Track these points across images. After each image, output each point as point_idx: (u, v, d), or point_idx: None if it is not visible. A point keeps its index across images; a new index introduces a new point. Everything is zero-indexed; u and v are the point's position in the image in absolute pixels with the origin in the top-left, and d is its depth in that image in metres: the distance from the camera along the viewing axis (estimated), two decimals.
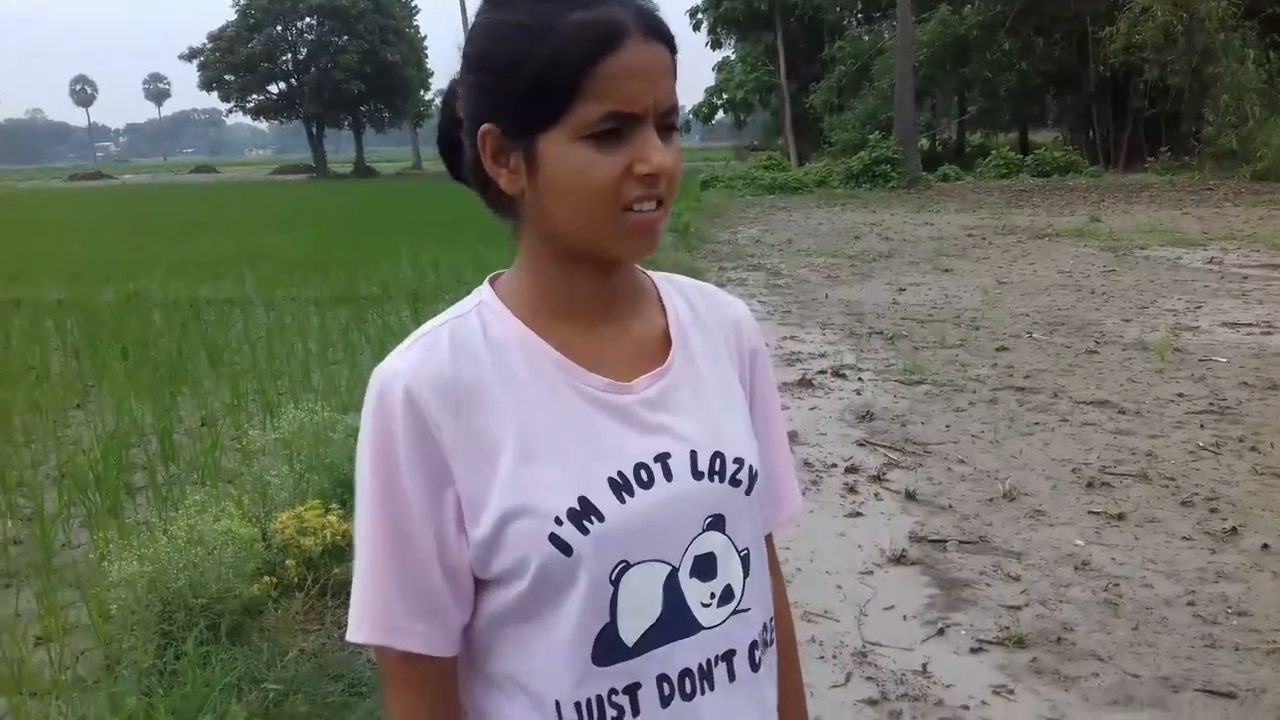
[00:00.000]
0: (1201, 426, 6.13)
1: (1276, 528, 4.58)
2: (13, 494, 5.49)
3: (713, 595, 1.10)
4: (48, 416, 7.09)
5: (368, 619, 1.06)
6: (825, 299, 11.62)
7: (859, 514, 4.98)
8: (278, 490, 4.71)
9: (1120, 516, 4.79)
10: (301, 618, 3.83)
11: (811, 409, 6.93)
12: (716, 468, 1.10)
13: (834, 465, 5.70)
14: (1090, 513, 4.86)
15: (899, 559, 4.42)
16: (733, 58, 52.15)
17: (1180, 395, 6.84)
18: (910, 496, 5.15)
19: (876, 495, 5.22)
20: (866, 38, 42.42)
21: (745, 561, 1.13)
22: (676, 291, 1.21)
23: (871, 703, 3.33)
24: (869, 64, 38.41)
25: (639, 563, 1.05)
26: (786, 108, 43.29)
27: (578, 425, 1.06)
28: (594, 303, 1.11)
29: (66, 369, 8.75)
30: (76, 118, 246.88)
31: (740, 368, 1.21)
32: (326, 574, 3.96)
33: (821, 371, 7.96)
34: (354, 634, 1.07)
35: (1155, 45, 27.91)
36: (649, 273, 1.21)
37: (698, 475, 1.09)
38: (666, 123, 1.03)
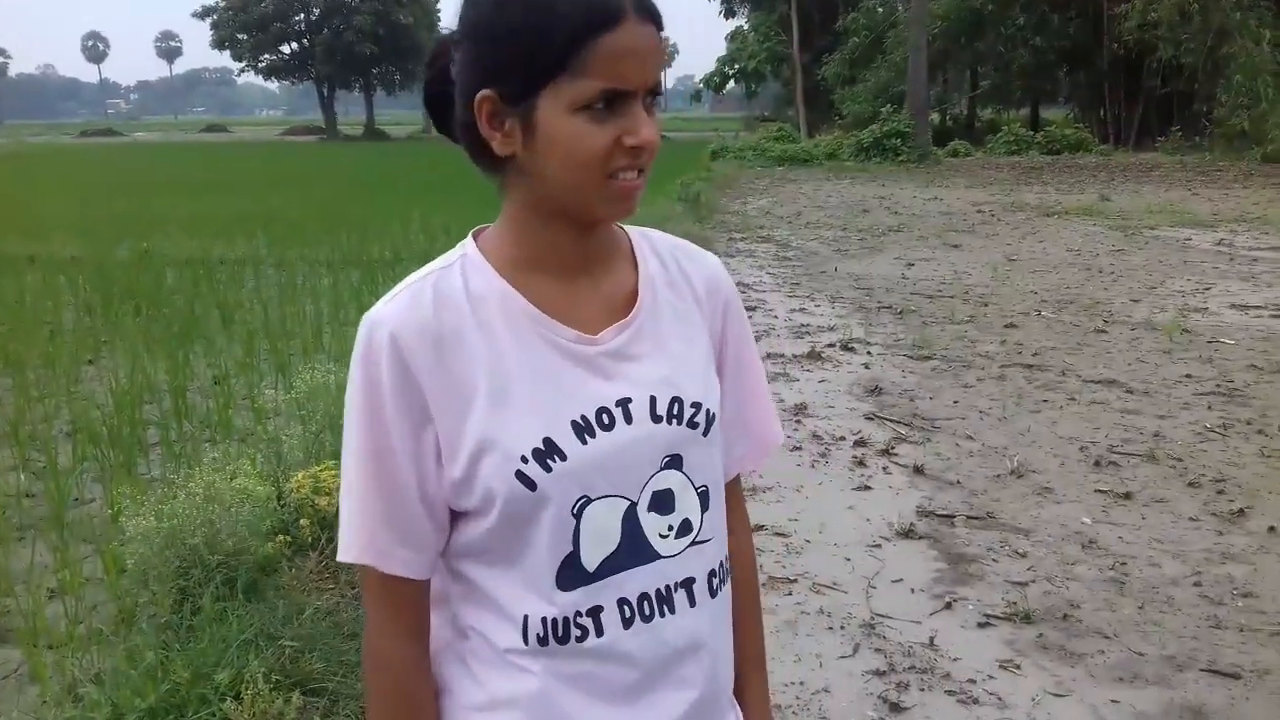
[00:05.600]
0: (1209, 408, 6.14)
1: None
2: (26, 447, 5.53)
3: (670, 528, 1.19)
4: (61, 371, 7.14)
5: (356, 542, 1.15)
6: (834, 272, 11.62)
7: (867, 487, 5.02)
8: (292, 450, 4.75)
9: (1127, 496, 4.82)
10: (315, 576, 3.87)
11: (820, 382, 6.95)
12: (675, 411, 1.19)
13: (842, 439, 5.73)
14: (1097, 491, 4.89)
15: (907, 533, 4.46)
16: (745, 27, 51.88)
17: (1188, 376, 6.86)
18: (918, 471, 5.18)
19: (885, 469, 5.26)
20: (881, 10, 42.12)
21: (704, 497, 1.22)
22: (650, 247, 1.29)
23: (879, 674, 3.37)
24: (882, 36, 38.17)
25: (599, 497, 1.14)
26: (798, 79, 43.05)
27: (546, 373, 1.15)
28: (571, 258, 1.19)
29: (80, 325, 8.80)
30: (88, 74, 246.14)
31: (711, 319, 1.29)
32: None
33: (830, 345, 7.99)
34: (344, 555, 1.16)
35: (1170, 23, 27.73)
36: (627, 228, 1.29)
37: (656, 418, 1.18)
38: (651, 98, 1.11)
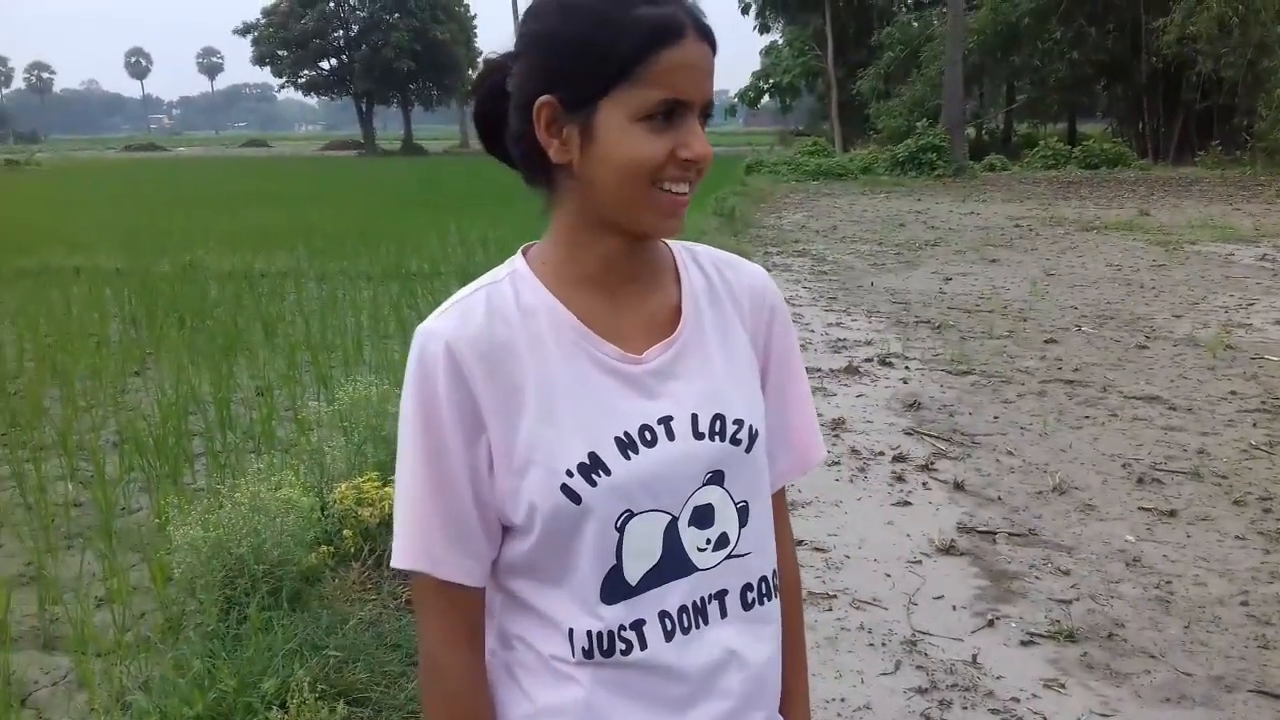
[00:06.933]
0: (1254, 425, 6.07)
1: None
2: (74, 457, 5.62)
3: (708, 541, 1.21)
4: (108, 382, 7.25)
5: (411, 549, 1.18)
6: (871, 286, 11.58)
7: (907, 503, 5.00)
8: (334, 461, 4.79)
9: (1172, 513, 4.77)
10: (358, 587, 3.91)
11: (859, 396, 6.93)
12: (717, 428, 1.21)
13: (881, 453, 5.71)
14: (1141, 509, 4.84)
15: (948, 549, 4.44)
16: (780, 42, 51.87)
17: (1232, 393, 6.78)
18: (959, 487, 5.16)
19: (925, 485, 5.23)
20: (916, 24, 42.01)
21: (743, 513, 1.24)
22: (693, 261, 1.31)
23: (921, 691, 3.36)
24: (918, 50, 38.07)
25: (642, 512, 1.17)
26: (833, 93, 42.98)
27: (591, 389, 1.17)
28: (618, 272, 1.22)
29: (125, 337, 8.95)
30: (131, 89, 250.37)
31: (755, 330, 1.31)
32: (383, 545, 4.03)
33: (868, 359, 7.96)
34: (398, 561, 1.18)
35: (1209, 37, 27.51)
36: (670, 243, 1.30)
37: (699, 435, 1.20)
38: (704, 115, 1.16)
